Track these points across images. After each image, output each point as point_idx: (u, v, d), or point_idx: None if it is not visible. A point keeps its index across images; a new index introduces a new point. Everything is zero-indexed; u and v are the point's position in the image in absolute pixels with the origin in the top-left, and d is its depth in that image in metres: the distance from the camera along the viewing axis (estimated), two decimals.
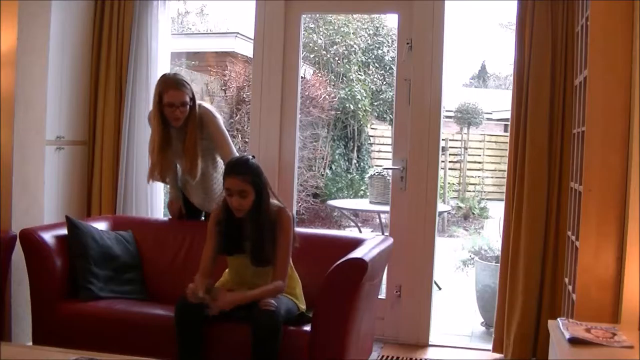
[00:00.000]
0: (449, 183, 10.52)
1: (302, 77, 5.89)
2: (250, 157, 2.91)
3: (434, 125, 3.95)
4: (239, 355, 2.77)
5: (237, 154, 3.38)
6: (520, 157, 3.63)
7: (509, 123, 3.93)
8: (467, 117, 10.92)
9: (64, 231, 3.27)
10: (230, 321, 2.81)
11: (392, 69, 8.94)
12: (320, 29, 9.44)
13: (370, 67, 9.92)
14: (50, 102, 3.67)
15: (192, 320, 2.77)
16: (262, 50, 4.16)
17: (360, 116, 9.60)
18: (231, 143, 3.44)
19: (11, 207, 3.34)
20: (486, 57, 21.27)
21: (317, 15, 8.88)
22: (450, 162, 11.12)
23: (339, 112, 9.30)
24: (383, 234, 4.61)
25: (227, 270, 3.05)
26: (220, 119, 3.43)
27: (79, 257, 3.22)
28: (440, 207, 5.66)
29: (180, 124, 3.25)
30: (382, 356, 3.75)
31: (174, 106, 3.18)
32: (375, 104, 10.04)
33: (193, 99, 3.26)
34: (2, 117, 3.32)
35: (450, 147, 11.13)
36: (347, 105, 9.31)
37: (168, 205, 3.66)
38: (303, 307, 2.97)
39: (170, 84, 3.18)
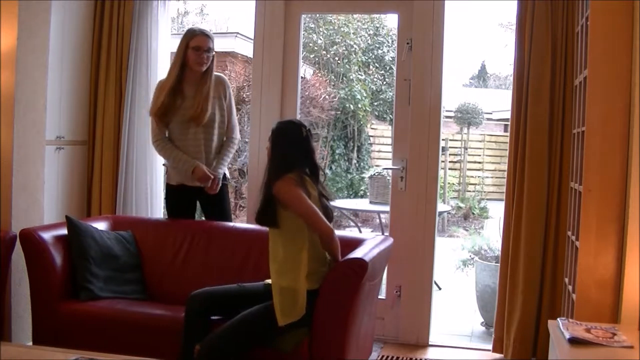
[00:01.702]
0: (449, 183, 10.52)
1: (302, 77, 5.89)
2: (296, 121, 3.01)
3: (434, 125, 3.95)
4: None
5: (238, 136, 3.70)
6: (520, 157, 3.63)
7: (509, 123, 3.93)
8: (467, 117, 10.93)
9: (64, 231, 3.27)
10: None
11: (392, 69, 8.95)
12: (320, 29, 9.44)
13: (370, 67, 9.92)
14: (50, 102, 3.67)
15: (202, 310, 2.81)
16: (262, 50, 4.16)
17: (360, 116, 9.60)
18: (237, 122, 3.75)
19: (11, 207, 3.34)
20: (486, 57, 21.33)
21: (317, 15, 8.88)
22: (450, 162, 11.13)
23: (339, 112, 9.30)
24: (383, 234, 4.61)
25: None
26: None
27: (79, 257, 3.22)
28: (440, 207, 5.66)
29: (202, 70, 3.51)
30: (382, 356, 3.75)
31: (201, 50, 3.48)
32: (375, 104, 10.04)
33: (213, 50, 3.56)
34: (2, 117, 3.32)
35: (450, 147, 11.14)
36: (347, 105, 9.31)
37: (194, 173, 3.53)
38: (283, 320, 2.71)
39: (198, 32, 3.55)
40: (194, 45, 3.48)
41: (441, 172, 7.93)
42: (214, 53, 3.56)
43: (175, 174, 3.66)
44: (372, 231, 8.41)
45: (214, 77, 3.59)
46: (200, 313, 2.83)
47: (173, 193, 3.69)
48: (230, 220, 3.76)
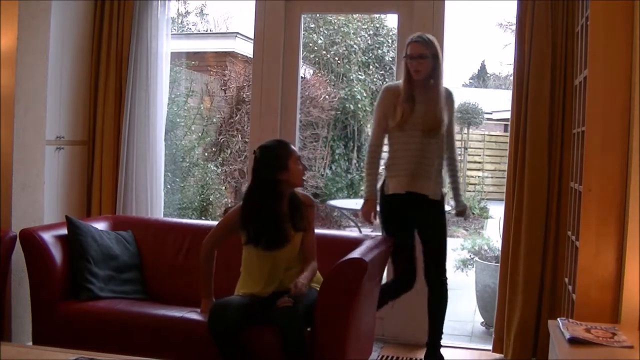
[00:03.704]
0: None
1: (302, 77, 5.89)
2: None
3: None
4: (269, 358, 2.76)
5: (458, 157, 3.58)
6: (520, 157, 3.63)
7: (509, 123, 3.93)
8: (467, 117, 10.92)
9: (64, 231, 3.28)
10: (256, 325, 2.81)
11: (392, 69, 8.94)
12: (320, 29, 9.44)
13: (370, 67, 9.91)
14: (50, 102, 3.67)
15: (226, 330, 2.73)
16: (262, 50, 4.16)
17: (360, 116, 9.59)
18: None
19: (11, 207, 3.34)
20: (486, 57, 21.35)
21: (317, 15, 8.88)
22: None
23: (339, 112, 9.29)
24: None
25: (243, 278, 3.04)
26: None
27: (79, 257, 3.22)
28: None
29: (419, 78, 3.36)
30: (382, 356, 3.75)
31: (413, 58, 3.35)
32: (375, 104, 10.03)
33: (436, 57, 3.37)
34: (2, 117, 3.32)
35: None
36: (347, 105, 9.31)
37: (366, 205, 3.45)
38: None
39: (412, 39, 3.41)
40: (408, 54, 3.37)
41: None
42: (432, 59, 3.35)
43: (391, 182, 3.42)
44: (372, 231, 8.40)
45: (444, 89, 3.41)
46: (235, 326, 2.76)
47: (387, 204, 3.45)
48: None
